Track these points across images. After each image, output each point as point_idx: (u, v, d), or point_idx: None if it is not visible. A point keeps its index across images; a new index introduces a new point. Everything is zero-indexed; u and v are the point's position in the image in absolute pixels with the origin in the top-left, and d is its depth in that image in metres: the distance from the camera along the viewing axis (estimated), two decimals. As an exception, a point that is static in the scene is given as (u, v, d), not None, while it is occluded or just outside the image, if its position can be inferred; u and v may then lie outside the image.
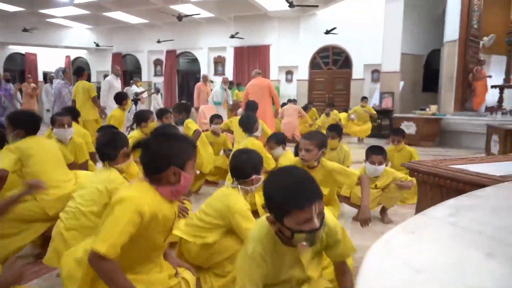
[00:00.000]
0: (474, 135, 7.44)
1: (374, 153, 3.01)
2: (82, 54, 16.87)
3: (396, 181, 2.93)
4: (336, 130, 3.64)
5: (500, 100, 9.67)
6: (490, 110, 9.58)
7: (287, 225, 1.18)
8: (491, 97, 9.84)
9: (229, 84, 11.87)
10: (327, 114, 8.81)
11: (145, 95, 9.59)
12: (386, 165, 3.35)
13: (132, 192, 1.34)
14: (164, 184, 1.39)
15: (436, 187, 1.51)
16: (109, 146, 2.07)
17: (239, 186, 1.88)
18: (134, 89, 9.11)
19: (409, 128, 8.13)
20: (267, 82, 5.69)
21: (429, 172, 1.50)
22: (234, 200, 1.81)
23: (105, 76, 8.10)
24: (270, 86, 5.66)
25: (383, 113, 9.78)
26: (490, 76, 9.53)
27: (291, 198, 1.15)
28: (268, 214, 1.26)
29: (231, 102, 8.41)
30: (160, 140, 1.41)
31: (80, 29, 16.01)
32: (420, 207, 1.62)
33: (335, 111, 9.18)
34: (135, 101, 8.16)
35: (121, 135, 2.25)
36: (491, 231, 0.66)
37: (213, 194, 1.99)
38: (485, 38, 10.35)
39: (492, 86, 9.56)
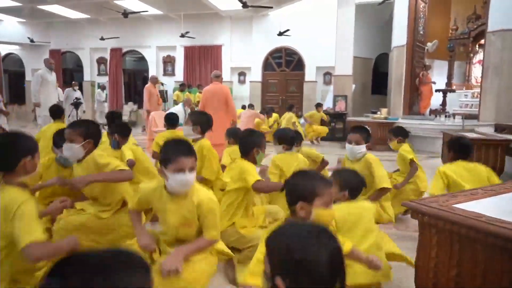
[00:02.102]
0: (425, 139, 7.67)
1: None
2: (14, 50, 15.32)
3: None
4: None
5: (444, 103, 10.17)
6: (434, 113, 10.05)
7: None
8: (434, 100, 10.34)
9: (181, 86, 11.36)
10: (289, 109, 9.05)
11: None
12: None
13: None
14: None
15: (445, 232, 1.31)
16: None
17: None
18: (72, 92, 8.35)
19: (364, 132, 8.21)
20: (225, 91, 5.33)
21: (439, 216, 1.30)
22: None
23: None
24: (228, 95, 5.31)
25: (337, 116, 9.85)
26: (434, 82, 9.97)
27: None
28: None
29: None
30: None
31: (12, 23, 14.50)
32: (422, 252, 1.42)
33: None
34: (76, 105, 7.44)
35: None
36: None
37: None
38: (429, 44, 10.84)
39: (437, 90, 10.02)
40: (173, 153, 1.78)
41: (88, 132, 2.32)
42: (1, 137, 1.71)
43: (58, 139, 2.55)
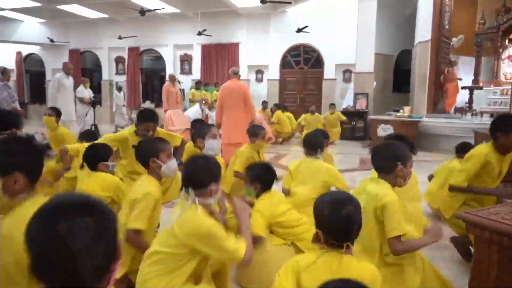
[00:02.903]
0: (451, 138, 7.31)
1: None
2: (35, 50, 15.55)
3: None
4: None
5: (470, 101, 9.73)
6: (460, 111, 9.63)
7: None
8: (459, 98, 9.91)
9: (197, 84, 11.25)
10: (312, 112, 8.81)
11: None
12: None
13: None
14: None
15: (509, 251, 1.09)
16: None
17: (197, 200, 1.65)
18: (82, 90, 8.30)
19: (386, 131, 7.90)
20: (244, 88, 5.13)
21: (503, 231, 1.08)
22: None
23: (62, 74, 7.35)
24: (246, 93, 5.11)
25: (357, 114, 9.56)
26: (460, 79, 9.54)
27: None
28: None
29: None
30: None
31: (32, 23, 14.71)
32: (479, 272, 1.20)
33: (317, 114, 9.12)
34: (93, 104, 7.40)
35: None
36: None
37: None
38: (454, 39, 10.39)
39: (463, 87, 9.60)
40: None
41: None
42: (37, 147, 1.54)
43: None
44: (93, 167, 2.58)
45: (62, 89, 6.98)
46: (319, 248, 1.36)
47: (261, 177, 2.42)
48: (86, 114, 7.91)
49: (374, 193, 1.66)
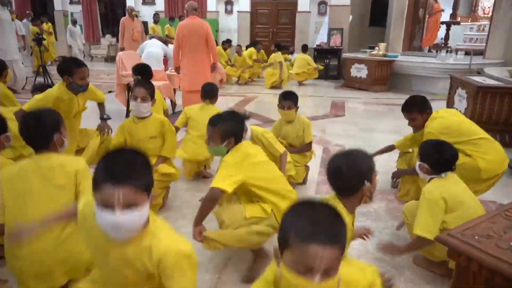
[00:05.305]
0: (426, 79, 7.10)
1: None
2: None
3: None
4: (291, 98, 2.89)
5: (446, 37, 9.43)
6: (436, 47, 9.34)
7: None
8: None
9: (155, 16, 10.17)
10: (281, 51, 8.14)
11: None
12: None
13: None
14: None
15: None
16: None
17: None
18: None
19: (360, 71, 7.56)
20: (205, 27, 4.53)
21: (495, 268, 0.83)
22: None
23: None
24: (208, 32, 4.54)
25: (331, 52, 9.09)
26: (443, 10, 9.10)
27: None
28: None
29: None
30: None
31: None
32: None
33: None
34: (38, 40, 6.58)
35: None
36: None
37: None
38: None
39: (442, 23, 9.23)
40: None
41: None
42: (31, 115, 1.64)
43: None
44: None
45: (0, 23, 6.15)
46: None
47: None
48: (31, 53, 7.10)
49: None
